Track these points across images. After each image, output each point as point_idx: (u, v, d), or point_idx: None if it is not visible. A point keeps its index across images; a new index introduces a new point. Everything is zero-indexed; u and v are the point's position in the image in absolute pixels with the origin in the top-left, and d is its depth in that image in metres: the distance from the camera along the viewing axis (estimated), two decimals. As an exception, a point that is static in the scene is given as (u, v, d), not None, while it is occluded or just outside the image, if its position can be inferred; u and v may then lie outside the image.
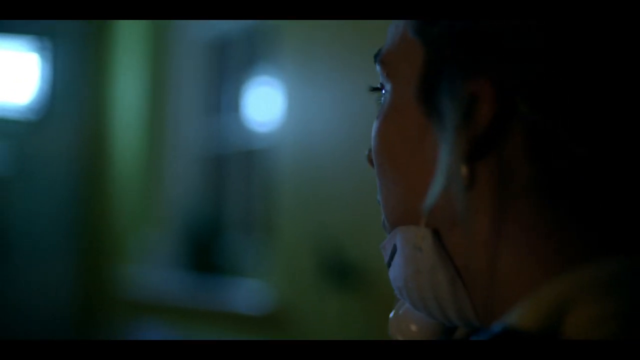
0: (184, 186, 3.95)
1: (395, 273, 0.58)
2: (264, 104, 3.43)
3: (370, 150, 0.63)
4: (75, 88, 4.43)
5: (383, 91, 0.61)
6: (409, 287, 0.57)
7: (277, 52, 3.19)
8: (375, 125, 0.60)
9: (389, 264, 0.59)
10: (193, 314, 3.56)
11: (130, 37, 4.26)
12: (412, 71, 0.56)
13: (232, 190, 3.78)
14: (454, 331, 0.61)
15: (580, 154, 0.50)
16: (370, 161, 0.63)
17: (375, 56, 0.61)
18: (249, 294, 3.22)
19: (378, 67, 0.60)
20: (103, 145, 4.37)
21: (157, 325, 3.70)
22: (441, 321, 0.58)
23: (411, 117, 0.56)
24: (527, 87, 0.50)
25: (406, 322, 0.62)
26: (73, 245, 4.41)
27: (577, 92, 0.50)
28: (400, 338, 0.63)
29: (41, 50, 4.32)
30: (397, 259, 0.58)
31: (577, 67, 0.50)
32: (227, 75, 3.86)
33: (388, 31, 0.60)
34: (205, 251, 3.62)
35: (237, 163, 3.74)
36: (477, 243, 0.53)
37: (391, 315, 0.63)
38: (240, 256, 3.50)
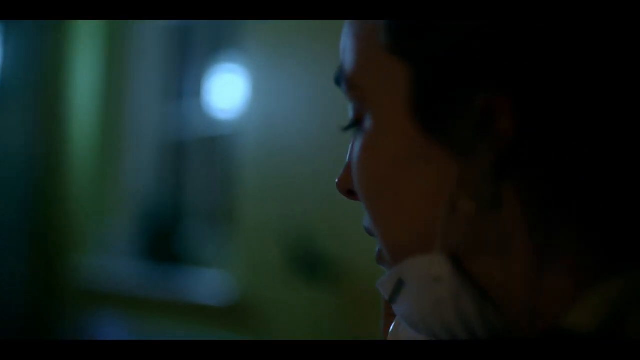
0: (143, 173, 3.88)
1: (408, 309, 0.54)
2: (227, 89, 3.38)
3: (341, 179, 0.59)
4: (30, 72, 4.32)
5: (353, 113, 0.56)
6: (427, 320, 0.53)
7: (241, 37, 3.15)
8: (358, 155, 0.55)
9: (393, 300, 0.55)
10: (153, 304, 3.51)
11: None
12: (396, 90, 0.52)
13: (193, 177, 3.72)
14: None
15: (608, 157, 0.48)
16: (347, 192, 0.59)
17: (338, 79, 0.56)
18: (211, 284, 3.17)
19: (345, 90, 0.55)
20: (59, 130, 4.28)
21: (116, 317, 3.64)
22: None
23: (404, 139, 0.52)
24: (545, 92, 0.47)
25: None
26: (27, 234, 4.31)
27: (598, 91, 0.47)
28: None
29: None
30: (408, 293, 0.54)
31: (594, 66, 0.47)
32: (189, 59, 3.80)
33: (343, 47, 0.56)
34: (165, 240, 3.57)
35: (199, 150, 3.68)
36: (516, 264, 0.50)
37: (390, 334, 0.61)
38: (202, 245, 3.46)
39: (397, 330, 0.60)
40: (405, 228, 0.53)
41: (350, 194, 0.58)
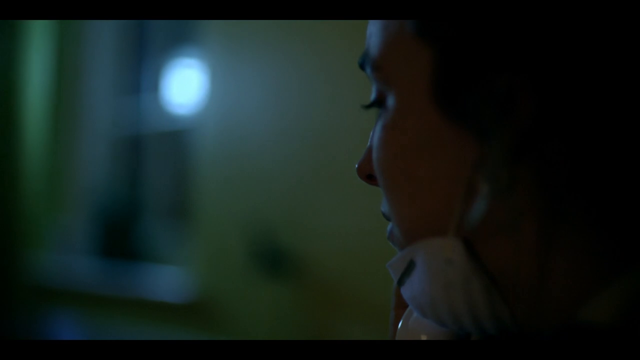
0: (99, 168, 3.82)
1: (416, 290, 0.55)
2: (186, 83, 3.33)
3: (362, 163, 0.60)
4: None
5: (375, 95, 0.57)
6: (436, 303, 0.54)
7: (200, 31, 3.10)
8: (379, 135, 0.56)
9: (402, 282, 0.56)
10: (110, 302, 3.45)
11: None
12: (419, 72, 0.52)
13: (151, 172, 3.66)
14: (468, 339, 0.59)
15: (628, 143, 0.47)
16: (366, 176, 0.60)
17: (363, 62, 0.57)
18: (169, 281, 3.13)
19: (370, 73, 0.56)
20: (11, 126, 4.19)
21: (72, 315, 3.58)
22: (469, 331, 0.56)
23: (425, 121, 0.53)
24: (565, 75, 0.47)
25: (417, 332, 0.60)
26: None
27: (619, 78, 0.47)
28: None
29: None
30: (418, 275, 0.54)
31: (616, 50, 0.47)
32: (147, 53, 3.75)
33: (370, 32, 0.57)
34: (123, 236, 3.52)
35: (157, 144, 3.63)
36: (525, 248, 0.50)
37: (399, 326, 0.61)
38: (160, 241, 3.41)
39: (407, 321, 0.61)
40: (420, 210, 0.54)
41: (370, 178, 0.59)
